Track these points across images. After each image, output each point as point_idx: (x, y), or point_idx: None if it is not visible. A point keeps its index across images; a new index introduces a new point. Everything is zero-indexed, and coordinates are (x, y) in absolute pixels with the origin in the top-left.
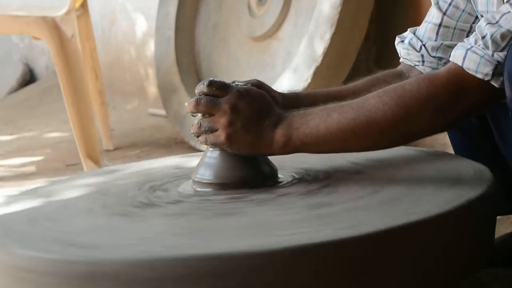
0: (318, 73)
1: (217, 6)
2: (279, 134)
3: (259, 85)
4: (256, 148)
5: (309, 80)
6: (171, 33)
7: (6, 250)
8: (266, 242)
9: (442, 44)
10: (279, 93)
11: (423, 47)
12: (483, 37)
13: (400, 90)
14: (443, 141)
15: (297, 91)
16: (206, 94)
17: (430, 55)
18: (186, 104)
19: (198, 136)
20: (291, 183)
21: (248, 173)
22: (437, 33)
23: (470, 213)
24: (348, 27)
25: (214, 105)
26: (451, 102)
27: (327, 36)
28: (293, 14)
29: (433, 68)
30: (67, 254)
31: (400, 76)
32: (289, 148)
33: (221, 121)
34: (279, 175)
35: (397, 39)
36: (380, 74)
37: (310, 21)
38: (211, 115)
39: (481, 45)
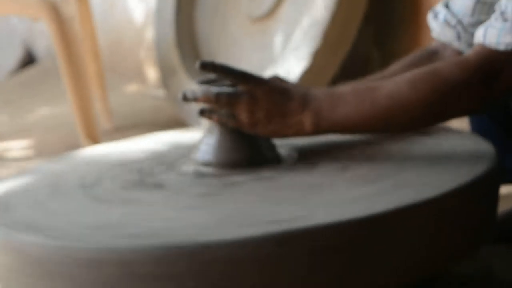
0: (318, 53)
1: None
2: (307, 121)
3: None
4: (282, 135)
5: (309, 60)
6: (170, 15)
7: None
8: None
9: (479, 19)
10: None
11: (459, 23)
12: (502, 12)
13: (433, 77)
14: None
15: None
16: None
17: (466, 31)
18: (186, 92)
19: (209, 113)
20: (305, 159)
21: (262, 152)
22: (473, 9)
23: (474, 189)
24: (350, 5)
25: (236, 99)
26: (486, 85)
27: (327, 15)
28: None
29: (470, 44)
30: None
31: (435, 55)
32: (316, 133)
33: (243, 114)
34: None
35: (430, 14)
36: (413, 58)
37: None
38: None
39: (499, 20)
